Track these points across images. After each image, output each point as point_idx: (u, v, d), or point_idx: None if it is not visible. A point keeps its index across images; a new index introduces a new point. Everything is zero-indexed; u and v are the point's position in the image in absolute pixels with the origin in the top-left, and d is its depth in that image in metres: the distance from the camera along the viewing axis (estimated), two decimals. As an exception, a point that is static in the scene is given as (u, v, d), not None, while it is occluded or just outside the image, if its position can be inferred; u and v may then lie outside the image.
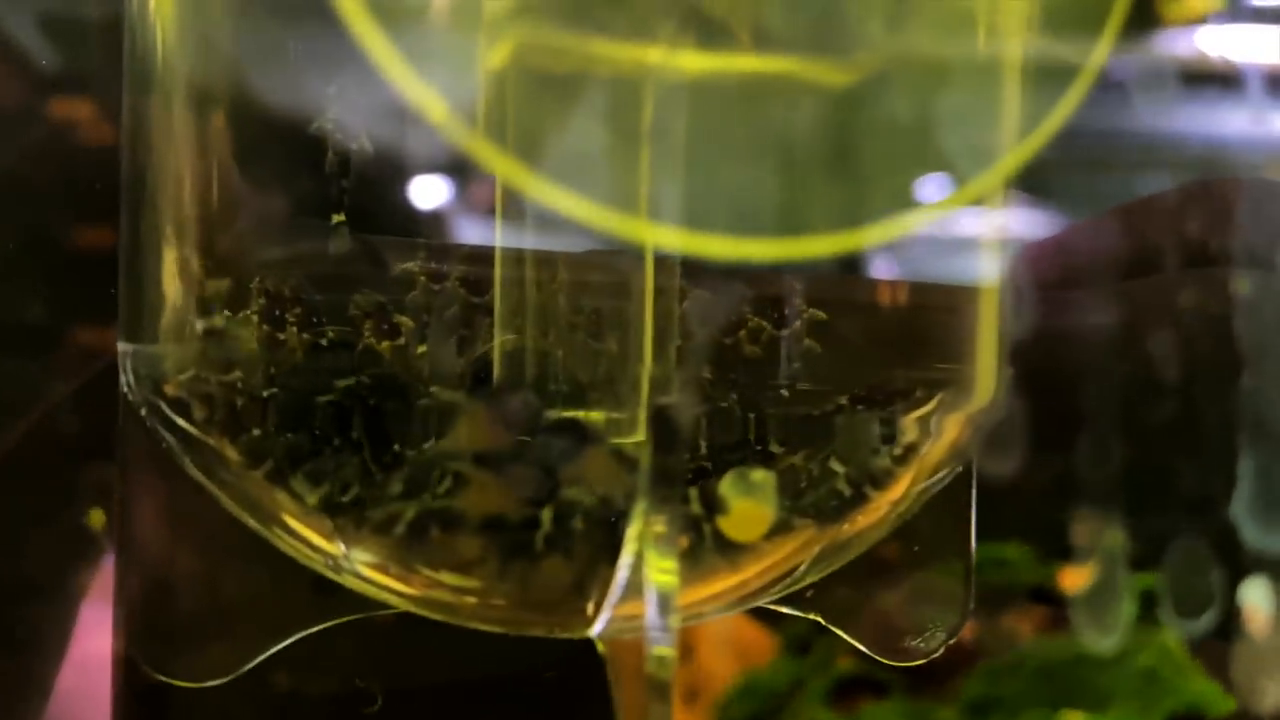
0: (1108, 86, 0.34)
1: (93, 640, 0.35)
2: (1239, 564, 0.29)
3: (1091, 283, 0.33)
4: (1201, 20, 0.36)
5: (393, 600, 0.28)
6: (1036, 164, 0.32)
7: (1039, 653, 0.47)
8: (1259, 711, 0.30)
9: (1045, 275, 0.33)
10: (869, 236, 0.20)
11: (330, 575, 0.28)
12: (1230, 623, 0.30)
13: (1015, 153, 0.21)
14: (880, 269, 0.28)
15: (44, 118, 0.33)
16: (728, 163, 0.22)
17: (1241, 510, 0.28)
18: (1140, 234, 0.33)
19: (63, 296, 0.33)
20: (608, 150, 0.21)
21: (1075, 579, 0.48)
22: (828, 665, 0.48)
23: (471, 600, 0.27)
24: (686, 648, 0.50)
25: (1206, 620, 0.29)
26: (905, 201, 0.20)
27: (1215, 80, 0.35)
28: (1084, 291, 0.33)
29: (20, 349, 0.33)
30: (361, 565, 0.27)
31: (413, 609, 0.28)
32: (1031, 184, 0.33)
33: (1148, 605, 0.44)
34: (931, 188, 0.28)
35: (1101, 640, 0.33)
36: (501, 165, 0.22)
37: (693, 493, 0.26)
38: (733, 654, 0.51)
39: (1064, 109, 0.21)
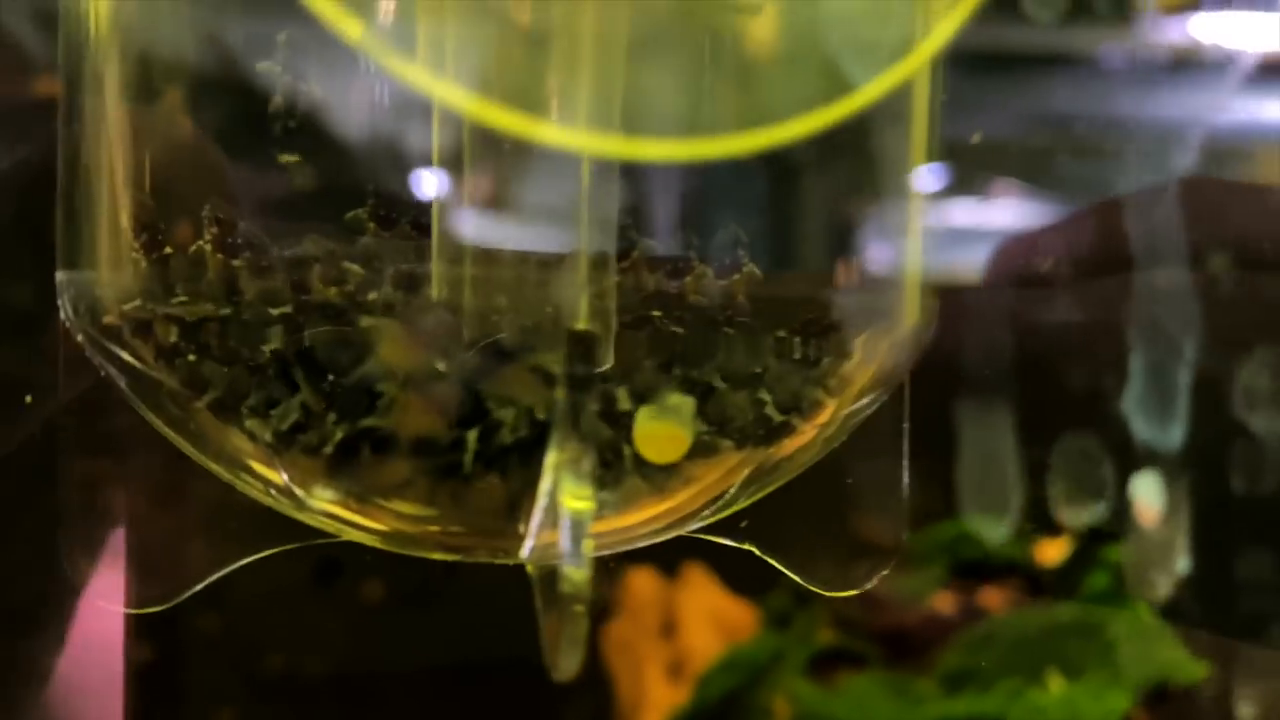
0: (1098, 73, 0.34)
1: (98, 621, 0.35)
2: (1130, 459, 0.30)
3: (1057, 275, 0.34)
4: (1189, 7, 0.36)
5: (361, 536, 0.29)
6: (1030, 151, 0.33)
7: (1013, 625, 0.47)
8: (1151, 600, 0.32)
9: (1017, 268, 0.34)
10: (774, 137, 0.21)
11: (286, 509, 0.29)
12: (1122, 516, 0.30)
13: (904, 63, 0.22)
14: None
15: (34, 104, 0.33)
16: (660, 74, 0.23)
17: (1132, 406, 0.29)
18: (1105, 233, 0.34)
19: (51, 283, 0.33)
20: (539, 61, 0.22)
21: (1050, 552, 0.48)
22: (808, 638, 0.49)
23: (433, 529, 0.28)
24: (672, 625, 0.51)
25: (1096, 512, 0.30)
26: (808, 106, 0.21)
27: (1206, 67, 0.36)
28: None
29: (7, 334, 0.33)
30: (320, 503, 0.28)
31: (380, 545, 0.29)
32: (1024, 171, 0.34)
33: (1120, 579, 0.45)
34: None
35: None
36: (439, 89, 0.23)
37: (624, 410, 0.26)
38: (717, 631, 0.51)
39: (953, 23, 0.22)
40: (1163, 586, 0.30)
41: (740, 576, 0.47)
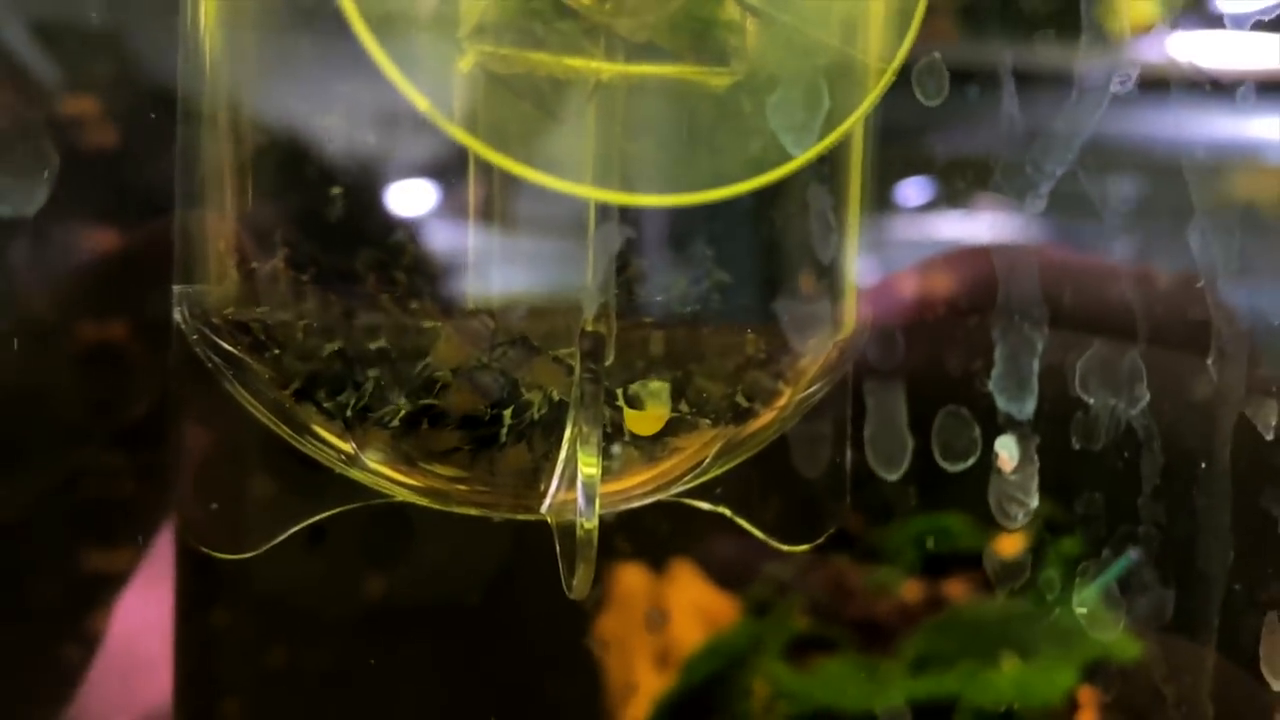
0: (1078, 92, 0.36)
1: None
2: (995, 424, 0.36)
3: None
4: (1145, 31, 0.37)
5: (401, 492, 0.34)
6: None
7: (973, 612, 0.48)
8: (1007, 527, 0.37)
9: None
10: (732, 190, 0.27)
11: (348, 472, 0.33)
12: (988, 464, 0.36)
13: (828, 138, 0.28)
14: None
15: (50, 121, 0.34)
16: (646, 139, 0.29)
17: (995, 385, 0.35)
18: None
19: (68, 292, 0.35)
20: (557, 130, 0.28)
21: (1009, 545, 0.51)
22: (785, 626, 0.50)
23: (462, 488, 0.33)
24: (660, 616, 0.54)
25: (969, 463, 0.36)
26: (753, 170, 0.27)
27: (1179, 85, 0.37)
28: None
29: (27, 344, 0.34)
30: (372, 462, 0.33)
31: (415, 499, 0.33)
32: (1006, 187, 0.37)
33: (1070, 569, 0.48)
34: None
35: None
36: (474, 145, 0.28)
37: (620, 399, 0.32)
38: (702, 622, 0.54)
39: (864, 106, 0.28)
40: (1019, 516, 0.36)
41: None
